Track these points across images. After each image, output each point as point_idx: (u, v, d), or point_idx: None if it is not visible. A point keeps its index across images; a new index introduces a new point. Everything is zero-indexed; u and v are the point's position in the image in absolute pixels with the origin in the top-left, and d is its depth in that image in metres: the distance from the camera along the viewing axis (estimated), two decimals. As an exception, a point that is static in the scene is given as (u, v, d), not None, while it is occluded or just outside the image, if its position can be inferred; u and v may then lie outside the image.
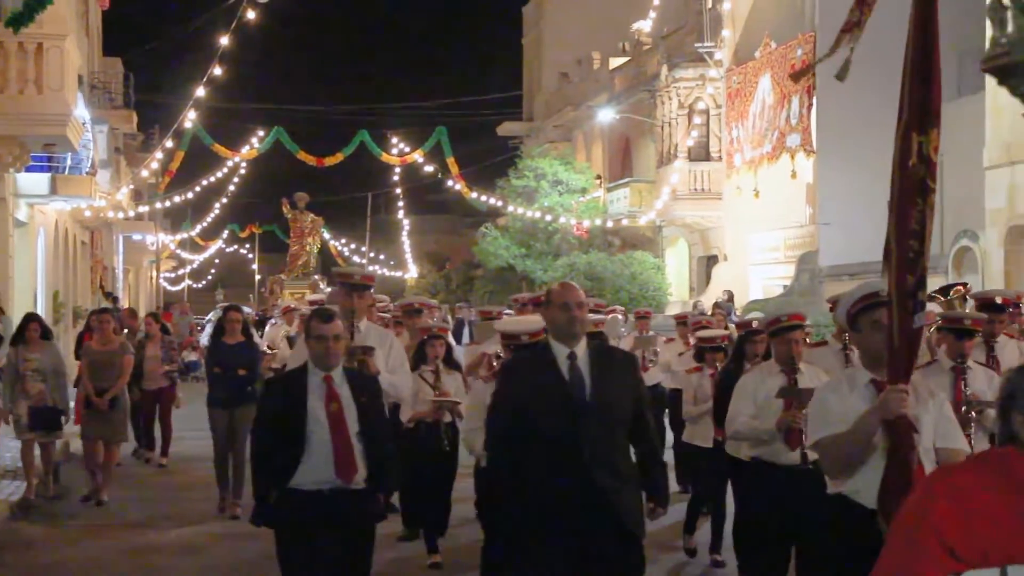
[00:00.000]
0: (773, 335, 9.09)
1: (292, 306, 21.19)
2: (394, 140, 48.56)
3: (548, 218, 44.41)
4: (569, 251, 43.90)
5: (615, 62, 49.36)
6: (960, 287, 12.96)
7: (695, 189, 40.31)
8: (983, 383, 8.94)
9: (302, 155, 45.73)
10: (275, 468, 7.21)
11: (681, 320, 17.12)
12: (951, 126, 32.14)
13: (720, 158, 39.78)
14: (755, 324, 10.80)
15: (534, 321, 9.17)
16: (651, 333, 17.33)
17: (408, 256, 67.80)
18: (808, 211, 34.81)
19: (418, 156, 47.52)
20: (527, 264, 44.88)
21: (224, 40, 31.56)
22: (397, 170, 53.78)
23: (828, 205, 33.03)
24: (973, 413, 8.63)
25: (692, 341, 15.39)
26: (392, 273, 72.23)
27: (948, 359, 9.05)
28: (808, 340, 10.70)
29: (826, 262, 33.12)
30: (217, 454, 14.52)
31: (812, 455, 8.19)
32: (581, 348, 6.73)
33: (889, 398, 5.62)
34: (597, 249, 43.58)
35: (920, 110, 5.61)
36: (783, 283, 35.13)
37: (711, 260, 41.60)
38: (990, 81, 26.19)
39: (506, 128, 59.70)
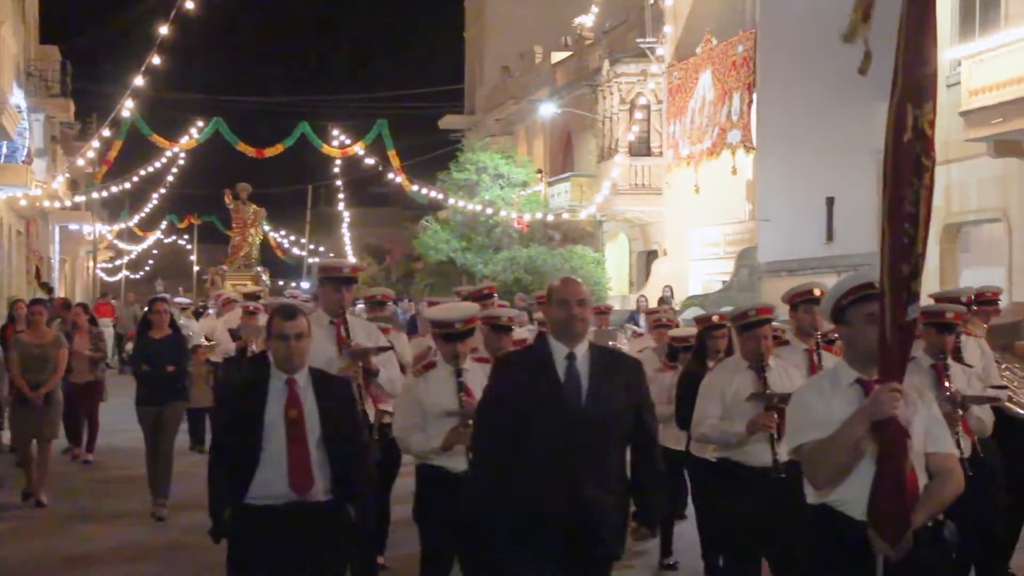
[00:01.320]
0: (741, 330, 8.65)
1: (231, 297, 20.94)
2: (335, 132, 48.40)
3: (489, 212, 44.39)
4: (509, 245, 43.90)
5: (557, 56, 49.42)
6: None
7: (635, 184, 40.42)
8: (962, 381, 8.70)
9: (242, 146, 45.49)
10: (228, 480, 6.67)
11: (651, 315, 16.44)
12: (889, 124, 32.32)
13: (661, 153, 39.90)
14: (716, 319, 10.39)
15: (467, 308, 8.82)
16: (611, 328, 17.17)
17: (348, 249, 67.63)
18: (748, 207, 34.98)
19: (359, 148, 47.38)
20: (467, 257, 44.84)
21: (163, 30, 31.31)
22: (338, 162, 53.63)
23: (767, 201, 33.20)
24: (960, 411, 8.37)
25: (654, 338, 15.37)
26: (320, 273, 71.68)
27: (927, 356, 8.75)
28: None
29: (765, 258, 33.30)
30: (148, 453, 13.86)
31: (785, 460, 8.00)
32: (581, 349, 6.35)
33: (880, 398, 5.14)
34: (537, 243, 43.59)
35: (915, 79, 5.28)
36: (722, 279, 35.29)
37: (651, 255, 41.73)
38: (928, 80, 26.39)
39: (447, 121, 59.64)
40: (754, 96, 33.56)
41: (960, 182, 25.53)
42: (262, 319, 17.55)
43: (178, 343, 13.99)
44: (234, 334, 16.65)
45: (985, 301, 10.99)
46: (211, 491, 6.82)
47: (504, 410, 6.30)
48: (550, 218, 44.82)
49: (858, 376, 5.46)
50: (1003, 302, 11.87)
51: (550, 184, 46.63)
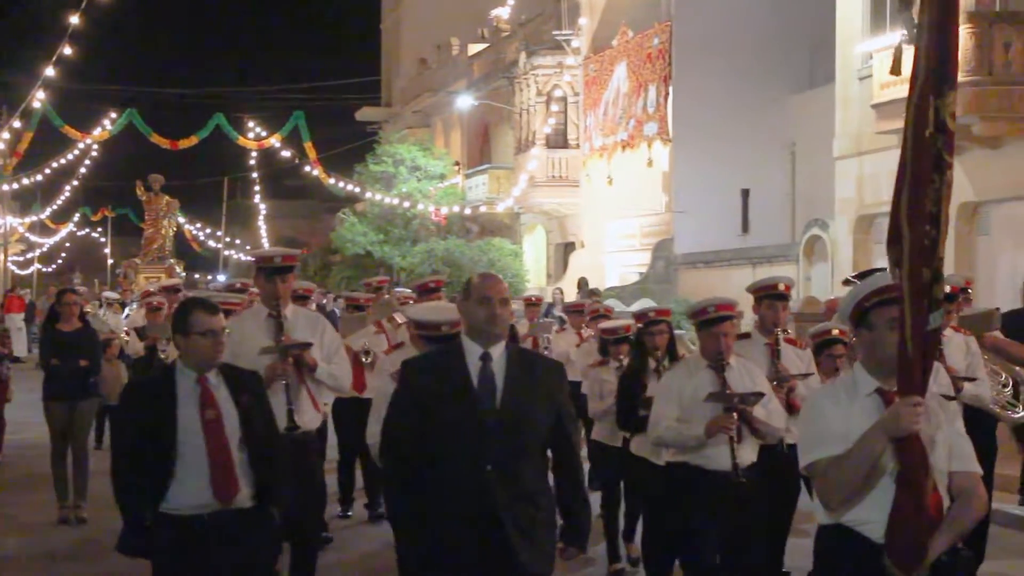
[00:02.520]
0: (700, 327, 8.22)
1: (152, 290, 20.64)
2: (251, 124, 48.04)
3: (406, 204, 44.28)
4: (427, 237, 43.83)
5: (474, 48, 49.38)
6: (878, 272, 12.32)
7: (553, 176, 40.48)
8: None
9: (156, 138, 45.00)
10: (142, 490, 6.17)
11: (575, 309, 16.23)
12: (803, 117, 32.95)
13: (578, 146, 40.01)
14: (653, 315, 9.98)
15: (454, 309, 8.41)
16: (546, 320, 17.05)
17: (265, 241, 67.10)
18: (664, 199, 35.17)
19: (275, 140, 47.05)
20: (385, 250, 44.69)
21: (75, 19, 30.91)
22: (254, 154, 53.21)
23: (683, 193, 33.40)
24: None
25: (586, 332, 14.93)
26: (248, 258, 71.44)
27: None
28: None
29: (681, 250, 33.51)
30: (54, 453, 13.31)
31: (746, 465, 7.95)
32: (498, 350, 5.88)
33: (900, 412, 4.71)
34: (455, 236, 43.57)
35: (937, 69, 4.84)
36: (639, 270, 35.47)
37: (568, 247, 41.83)
38: (840, 73, 26.72)
39: (364, 113, 59.40)
40: (670, 88, 33.73)
41: (872, 174, 25.83)
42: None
43: (90, 336, 13.49)
44: (141, 333, 16.21)
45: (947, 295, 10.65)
46: (119, 501, 6.32)
47: (412, 418, 5.82)
48: (468, 211, 44.80)
49: (878, 386, 5.04)
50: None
51: (467, 176, 46.61)
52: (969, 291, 11.03)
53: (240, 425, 6.25)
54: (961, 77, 20.90)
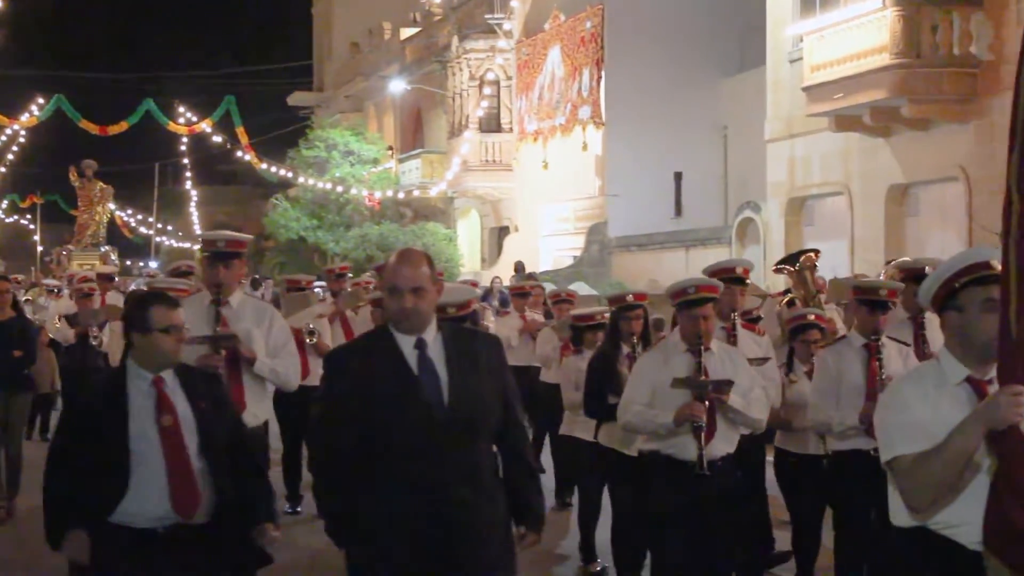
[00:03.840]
0: (679, 309, 7.73)
1: (85, 276, 20.31)
2: (181, 109, 47.68)
3: (340, 189, 44.13)
4: (361, 222, 43.68)
5: (406, 33, 49.23)
6: (811, 254, 11.53)
7: (486, 160, 40.48)
8: (897, 363, 7.96)
9: (84, 123, 44.58)
10: (86, 503, 5.59)
11: (519, 292, 15.58)
12: (735, 100, 33.16)
13: (511, 129, 40.02)
14: (630, 298, 9.42)
15: (463, 291, 7.92)
16: (482, 305, 16.86)
17: (197, 227, 66.61)
18: (597, 183, 35.26)
19: (206, 126, 46.75)
20: (318, 236, 44.51)
21: None
22: (185, 140, 52.81)
23: (617, 177, 33.50)
24: None
25: (530, 315, 14.64)
26: (181, 244, 70.97)
27: (859, 335, 8.06)
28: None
29: (615, 233, 33.62)
30: None
31: (719, 457, 7.49)
32: (431, 333, 5.29)
33: (1001, 402, 4.21)
34: (389, 220, 43.46)
35: None
36: (573, 254, 35.55)
37: (502, 231, 41.86)
38: (771, 56, 26.90)
39: (296, 98, 59.10)
40: (603, 72, 33.80)
41: (804, 156, 26.04)
42: (110, 300, 17.03)
43: (23, 326, 12.76)
44: (71, 320, 15.92)
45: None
46: (50, 513, 5.76)
47: (345, 416, 5.19)
48: (401, 195, 44.70)
49: (968, 374, 4.53)
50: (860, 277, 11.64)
51: (401, 161, 46.50)
52: None
53: (197, 431, 5.70)
54: (889, 60, 21.14)
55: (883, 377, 7.77)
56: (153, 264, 59.85)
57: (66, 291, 20.77)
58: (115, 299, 17.09)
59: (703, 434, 7.36)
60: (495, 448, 5.47)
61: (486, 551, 5.22)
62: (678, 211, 34.02)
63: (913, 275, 8.98)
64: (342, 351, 5.78)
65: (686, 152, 32.98)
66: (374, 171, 45.21)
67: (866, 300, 8.05)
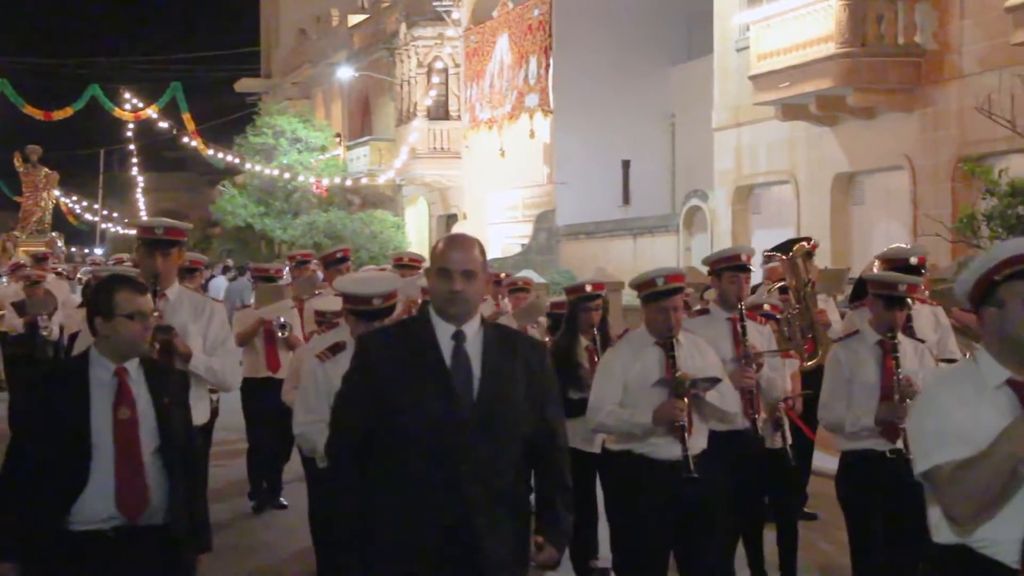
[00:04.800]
0: (646, 301, 7.35)
1: (22, 262, 20.09)
2: (127, 95, 47.36)
3: (287, 176, 43.97)
4: (309, 209, 43.54)
5: (354, 19, 49.07)
6: (804, 242, 10.99)
7: (434, 148, 40.45)
8: (913, 361, 7.62)
9: (28, 109, 44.27)
10: (44, 500, 5.30)
11: (492, 279, 15.18)
12: (682, 88, 33.25)
13: (459, 117, 40.00)
14: (589, 288, 9.12)
15: (386, 280, 7.51)
16: (534, 302, 16.43)
17: (143, 214, 66.18)
18: (546, 171, 35.30)
19: (152, 112, 46.46)
20: (266, 223, 44.33)
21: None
22: (131, 126, 52.47)
23: (565, 165, 33.55)
24: (908, 402, 7.26)
25: (502, 304, 14.46)
26: (127, 232, 70.51)
27: (873, 332, 7.64)
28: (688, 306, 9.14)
29: (563, 221, 33.67)
30: None
31: (696, 454, 7.13)
32: (472, 328, 5.01)
33: None
34: (337, 208, 43.34)
35: None
36: (521, 242, 35.58)
37: (451, 219, 41.83)
38: (718, 44, 27.01)
39: (244, 84, 58.81)
40: (551, 60, 33.82)
41: (750, 145, 26.17)
42: (56, 288, 16.81)
43: None
44: (20, 308, 15.71)
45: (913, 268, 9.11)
46: (14, 515, 5.42)
47: (371, 405, 4.95)
48: (349, 183, 44.59)
49: (1009, 376, 4.18)
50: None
51: (349, 148, 46.35)
52: (926, 268, 9.80)
53: (157, 429, 5.43)
54: (834, 49, 21.28)
55: (900, 376, 7.41)
56: (98, 251, 59.43)
57: (3, 280, 20.50)
58: (55, 286, 16.92)
59: (685, 433, 7.05)
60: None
61: (492, 553, 4.89)
62: (626, 199, 34.11)
63: (897, 265, 8.79)
64: (375, 334, 5.46)
65: (634, 140, 33.07)
66: (322, 158, 45.06)
67: (883, 295, 7.61)
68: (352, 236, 38.96)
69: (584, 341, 8.98)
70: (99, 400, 5.39)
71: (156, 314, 5.91)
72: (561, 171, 33.75)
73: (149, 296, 5.66)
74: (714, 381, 7.23)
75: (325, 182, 43.97)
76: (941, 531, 4.23)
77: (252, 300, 13.38)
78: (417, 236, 43.92)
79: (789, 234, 24.76)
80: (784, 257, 11.01)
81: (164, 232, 7.74)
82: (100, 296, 5.57)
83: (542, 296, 13.27)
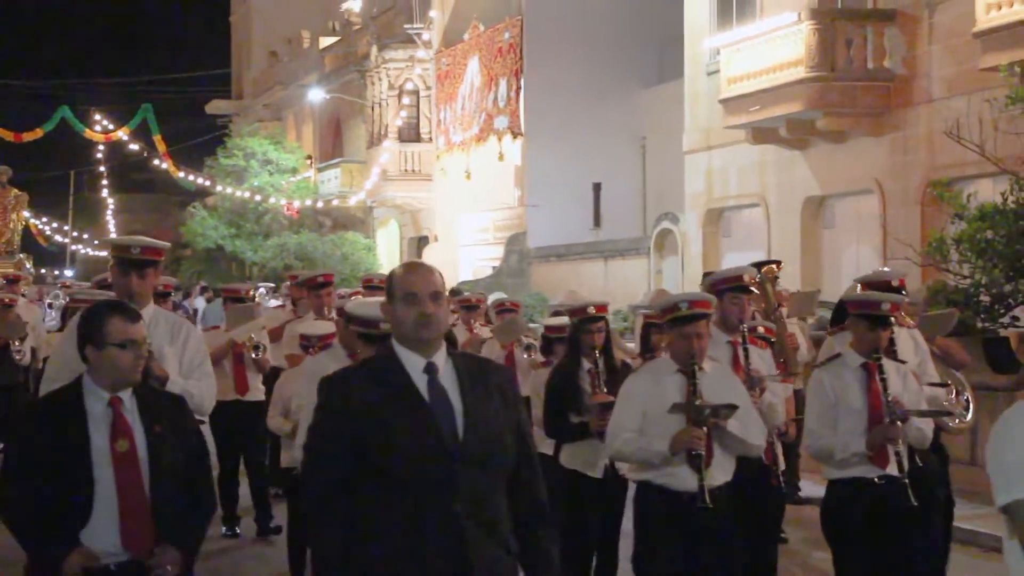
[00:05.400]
0: (669, 326, 7.11)
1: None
2: (97, 116, 47.25)
3: (258, 198, 43.91)
4: (280, 231, 43.49)
5: (325, 42, 49.08)
6: (773, 266, 10.78)
7: (405, 170, 40.43)
8: (897, 383, 7.41)
9: (-2, 130, 44.06)
10: (49, 535, 5.11)
11: (465, 304, 14.34)
12: (653, 111, 33.34)
13: (431, 139, 40.01)
14: (592, 310, 8.81)
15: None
16: (516, 320, 16.15)
17: (114, 235, 65.95)
18: (517, 193, 35.33)
19: (123, 134, 46.35)
20: (237, 244, 44.26)
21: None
22: (101, 147, 52.32)
23: (536, 187, 33.60)
24: (899, 424, 7.16)
25: (478, 328, 13.70)
26: (97, 253, 70.25)
27: (856, 354, 7.44)
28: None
29: (534, 243, 33.69)
30: None
31: (717, 485, 6.88)
32: (441, 358, 4.78)
33: None
34: (308, 229, 43.29)
35: None
36: (492, 264, 35.58)
37: (422, 241, 41.82)
38: (689, 68, 27.11)
39: (215, 106, 58.72)
40: (522, 82, 33.88)
41: (721, 168, 26.25)
42: (27, 312, 16.62)
43: None
44: None
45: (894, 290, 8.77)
46: (35, 549, 5.24)
47: (347, 449, 4.64)
48: (320, 204, 44.55)
49: None
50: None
51: (320, 170, 46.31)
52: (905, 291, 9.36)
53: (148, 460, 5.21)
54: (804, 73, 21.38)
55: (888, 399, 7.20)
56: (68, 272, 59.16)
57: None
58: (26, 310, 16.73)
59: (703, 463, 6.80)
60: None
61: None
62: (597, 222, 34.17)
63: (877, 288, 8.48)
64: (341, 374, 5.05)
65: (605, 163, 33.14)
66: (293, 180, 45.03)
67: (865, 314, 7.42)
68: (323, 258, 38.93)
69: (586, 364, 8.66)
70: (95, 432, 5.18)
71: (148, 343, 5.55)
72: (532, 194, 33.79)
73: (142, 324, 5.41)
74: (732, 408, 6.89)
75: (296, 204, 43.93)
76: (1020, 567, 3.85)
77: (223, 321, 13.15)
78: (388, 258, 43.88)
79: (760, 257, 24.82)
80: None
81: (141, 252, 7.38)
82: (91, 324, 5.35)
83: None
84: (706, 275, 10.97)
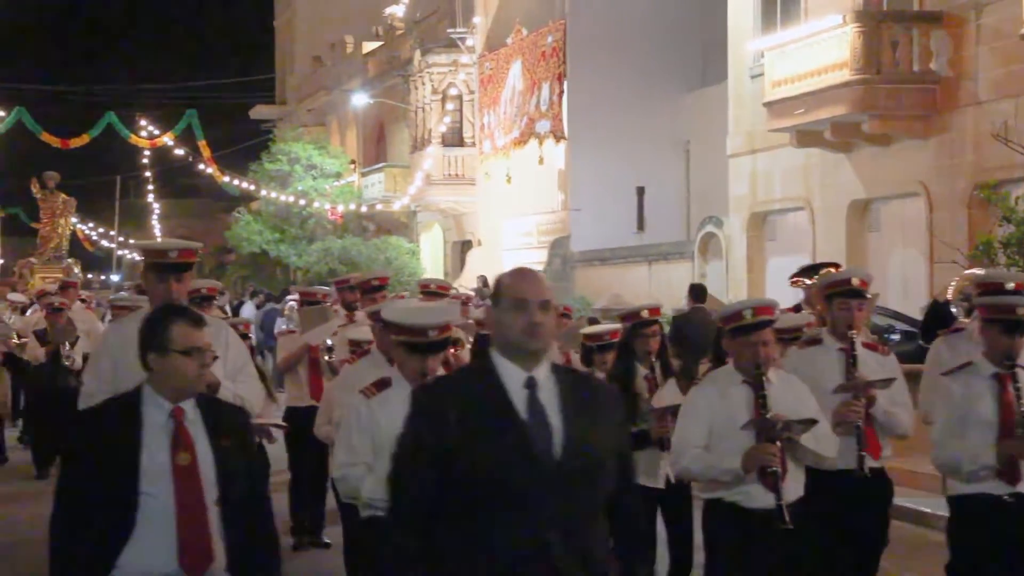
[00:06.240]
0: (733, 335, 6.72)
1: (46, 289, 19.94)
2: (143, 122, 47.54)
3: (302, 203, 44.04)
4: (323, 236, 43.59)
5: (368, 46, 49.18)
6: (831, 269, 9.91)
7: (449, 174, 40.47)
8: None
9: (46, 136, 44.36)
10: (89, 551, 4.86)
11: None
12: (696, 115, 33.27)
13: (474, 143, 40.03)
14: (646, 314, 8.52)
15: (442, 310, 6.92)
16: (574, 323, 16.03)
17: (159, 240, 66.34)
18: (560, 197, 35.29)
19: (168, 139, 46.60)
20: (281, 249, 44.41)
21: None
22: (147, 153, 52.64)
23: (579, 191, 33.54)
24: None
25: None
26: (142, 258, 70.71)
27: (989, 363, 6.93)
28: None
29: (578, 247, 33.65)
30: None
31: (791, 502, 6.52)
32: (543, 373, 4.46)
33: None
34: (352, 234, 43.38)
35: None
36: (536, 268, 35.51)
37: (465, 245, 41.84)
38: (733, 71, 27.01)
39: (259, 111, 58.97)
40: (565, 86, 33.86)
41: (765, 171, 26.13)
42: (81, 316, 16.58)
43: None
44: (41, 337, 15.46)
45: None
46: (54, 566, 4.98)
47: (436, 468, 4.38)
48: (364, 209, 44.64)
49: None
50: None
51: (364, 175, 46.42)
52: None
53: (216, 475, 4.94)
54: (849, 75, 21.26)
55: (1021, 409, 6.71)
56: (115, 277, 59.56)
57: (35, 307, 20.14)
58: (81, 315, 16.72)
59: (779, 480, 6.41)
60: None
61: None
62: (640, 226, 34.07)
63: (991, 291, 7.82)
64: (433, 386, 4.89)
65: (648, 167, 33.05)
66: (337, 185, 45.13)
67: (1000, 319, 6.89)
68: (367, 263, 38.98)
69: (642, 370, 8.37)
70: (154, 443, 4.93)
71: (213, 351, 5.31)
72: (576, 197, 33.74)
73: (206, 330, 5.16)
74: (809, 423, 6.52)
75: (340, 208, 44.02)
76: None
77: (294, 325, 12.74)
78: (432, 263, 43.94)
79: (805, 261, 24.70)
80: (808, 282, 10.10)
81: (179, 255, 7.14)
82: (154, 330, 5.08)
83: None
84: (803, 270, 10.37)
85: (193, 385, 5.03)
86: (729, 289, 26.64)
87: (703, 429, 6.61)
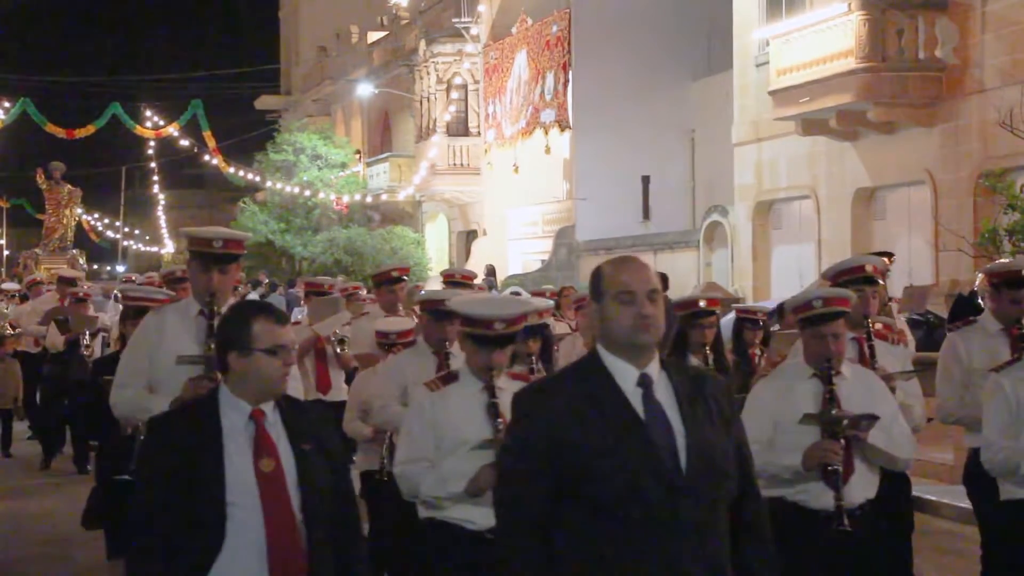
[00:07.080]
0: (803, 326, 6.36)
1: (38, 279, 19.92)
2: (148, 113, 47.57)
3: (307, 193, 44.03)
4: (329, 226, 43.58)
5: (373, 36, 49.17)
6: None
7: (454, 164, 40.47)
8: None
9: (51, 127, 44.48)
10: (174, 566, 4.51)
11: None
12: (702, 104, 33.24)
13: (479, 133, 40.02)
14: (703, 304, 8.24)
15: (512, 303, 6.52)
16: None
17: (164, 231, 66.50)
18: (565, 186, 35.29)
19: (173, 129, 46.64)
20: (286, 239, 44.39)
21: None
22: (152, 143, 52.68)
23: (584, 180, 33.53)
24: None
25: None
26: (148, 248, 70.85)
27: None
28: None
29: (583, 237, 33.64)
30: None
31: (856, 505, 6.18)
32: (654, 368, 4.16)
33: None
34: (357, 224, 43.37)
35: None
36: (541, 258, 35.55)
37: (471, 235, 41.84)
38: (738, 60, 26.99)
39: (264, 102, 58.95)
40: (570, 75, 33.84)
41: (771, 160, 26.12)
42: (101, 307, 16.59)
43: None
44: (62, 325, 15.43)
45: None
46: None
47: (550, 476, 4.06)
48: (369, 199, 44.64)
49: None
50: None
51: (369, 165, 46.41)
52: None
53: (299, 483, 4.60)
54: (854, 63, 21.24)
55: None
56: (120, 268, 59.60)
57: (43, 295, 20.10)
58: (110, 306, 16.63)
59: (840, 479, 6.05)
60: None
61: None
62: (646, 215, 34.08)
63: (1006, 279, 7.58)
64: (540, 387, 4.58)
65: (654, 156, 33.05)
66: (342, 175, 45.12)
67: None
68: (372, 253, 39.03)
69: (695, 361, 7.98)
70: (235, 450, 4.58)
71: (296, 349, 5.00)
72: (581, 187, 33.74)
73: (291, 327, 4.84)
74: (872, 418, 6.13)
75: (345, 199, 44.02)
76: None
77: (303, 316, 12.62)
78: (437, 252, 43.95)
79: (810, 250, 24.72)
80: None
81: (224, 245, 6.74)
82: (235, 327, 4.72)
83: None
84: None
85: (277, 386, 4.68)
86: (734, 278, 26.66)
87: (766, 425, 6.23)
